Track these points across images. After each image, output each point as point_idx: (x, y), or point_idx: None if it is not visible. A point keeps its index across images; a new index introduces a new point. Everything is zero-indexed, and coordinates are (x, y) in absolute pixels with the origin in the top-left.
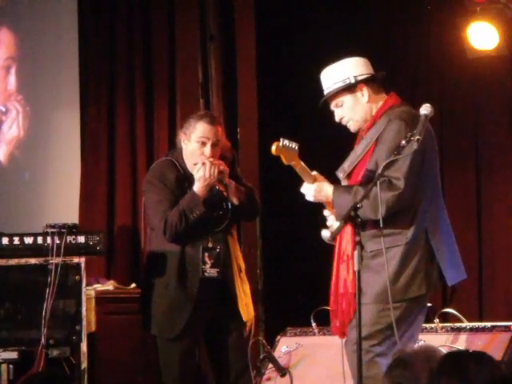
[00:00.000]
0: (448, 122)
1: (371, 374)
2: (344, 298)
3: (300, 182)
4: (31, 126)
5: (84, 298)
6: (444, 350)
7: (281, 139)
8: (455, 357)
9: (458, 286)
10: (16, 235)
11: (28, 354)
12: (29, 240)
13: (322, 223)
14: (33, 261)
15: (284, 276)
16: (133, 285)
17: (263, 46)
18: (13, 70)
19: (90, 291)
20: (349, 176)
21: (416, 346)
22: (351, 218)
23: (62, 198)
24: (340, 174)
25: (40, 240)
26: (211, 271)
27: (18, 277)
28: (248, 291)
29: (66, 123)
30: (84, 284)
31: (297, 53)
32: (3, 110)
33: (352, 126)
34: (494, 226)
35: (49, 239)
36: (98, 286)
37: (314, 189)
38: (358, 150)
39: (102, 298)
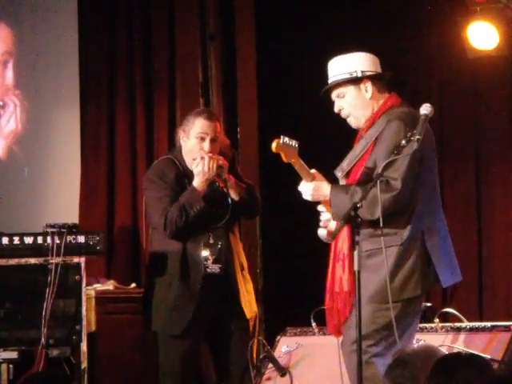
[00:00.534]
0: (448, 122)
1: (367, 375)
2: (339, 296)
3: (300, 181)
4: (30, 123)
5: (84, 298)
6: (444, 350)
7: (281, 137)
8: (446, 361)
9: (458, 286)
10: (16, 235)
11: (28, 353)
12: (29, 240)
13: None
14: (33, 261)
15: (284, 276)
16: (133, 285)
17: (263, 45)
18: (10, 65)
19: (90, 291)
20: (347, 175)
21: (416, 345)
22: (351, 217)
23: (61, 198)
24: (338, 173)
25: (40, 240)
26: (213, 267)
27: (17, 277)
28: (251, 289)
29: (65, 122)
30: (84, 284)
31: (297, 52)
32: (1, 103)
33: (352, 123)
34: (494, 226)
35: (49, 239)
36: (98, 286)
37: (311, 187)
38: (357, 149)
39: (101, 298)
